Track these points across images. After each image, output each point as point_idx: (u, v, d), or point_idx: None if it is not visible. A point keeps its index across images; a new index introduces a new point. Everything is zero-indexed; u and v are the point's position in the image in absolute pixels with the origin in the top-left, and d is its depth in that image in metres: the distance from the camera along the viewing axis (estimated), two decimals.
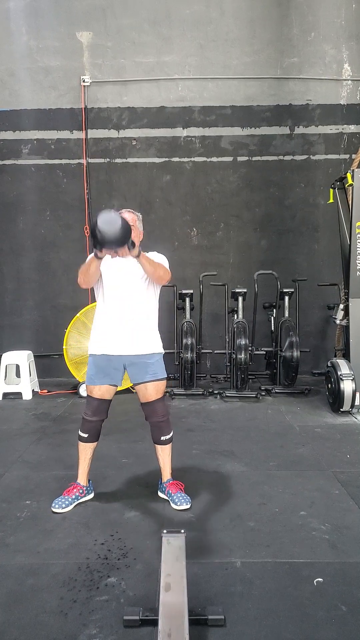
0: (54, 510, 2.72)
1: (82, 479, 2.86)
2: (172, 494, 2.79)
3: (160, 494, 2.90)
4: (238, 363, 4.96)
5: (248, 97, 5.84)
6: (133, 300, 2.69)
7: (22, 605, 1.97)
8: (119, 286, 2.68)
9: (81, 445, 2.85)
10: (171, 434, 2.87)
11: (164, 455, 2.88)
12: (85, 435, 2.81)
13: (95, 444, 2.85)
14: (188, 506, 2.74)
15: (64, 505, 2.73)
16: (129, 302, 2.69)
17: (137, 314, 2.70)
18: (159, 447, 2.87)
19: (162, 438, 2.83)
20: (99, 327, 2.76)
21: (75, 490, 2.82)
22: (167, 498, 2.83)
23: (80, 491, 2.83)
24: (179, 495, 2.79)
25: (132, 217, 2.72)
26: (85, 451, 2.85)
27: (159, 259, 2.74)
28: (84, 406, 2.83)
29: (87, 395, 2.81)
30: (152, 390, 2.75)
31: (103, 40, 5.77)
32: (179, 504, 2.75)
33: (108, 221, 2.24)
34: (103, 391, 2.76)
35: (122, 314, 2.69)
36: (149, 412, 2.80)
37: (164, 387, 2.82)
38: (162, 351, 2.83)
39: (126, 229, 2.26)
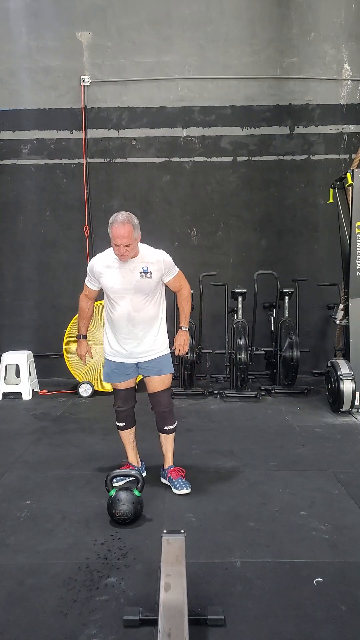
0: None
1: (133, 461, 3.09)
2: (174, 480, 2.95)
3: (162, 480, 3.04)
4: (238, 363, 4.95)
5: (248, 97, 5.84)
6: (139, 310, 2.82)
7: (22, 605, 1.97)
8: (125, 298, 2.81)
9: (122, 433, 3.09)
10: (175, 425, 3.04)
11: (167, 443, 3.05)
12: (123, 424, 3.05)
13: (134, 428, 3.10)
14: (188, 491, 2.89)
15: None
16: (135, 312, 2.82)
17: (144, 322, 2.85)
18: (162, 435, 3.04)
19: (166, 428, 3.02)
20: (110, 336, 2.95)
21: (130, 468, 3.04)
22: (168, 483, 2.98)
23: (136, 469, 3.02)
24: (179, 480, 2.94)
25: (127, 231, 2.61)
26: (127, 437, 3.10)
27: (180, 279, 2.98)
28: (114, 399, 3.05)
29: (113, 389, 3.04)
30: (157, 383, 2.95)
31: (103, 40, 5.76)
32: (179, 488, 2.90)
33: (124, 514, 2.57)
34: (125, 383, 3.00)
35: (129, 324, 2.84)
36: (154, 402, 2.98)
37: (170, 381, 3.00)
38: (169, 351, 3.00)
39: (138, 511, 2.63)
